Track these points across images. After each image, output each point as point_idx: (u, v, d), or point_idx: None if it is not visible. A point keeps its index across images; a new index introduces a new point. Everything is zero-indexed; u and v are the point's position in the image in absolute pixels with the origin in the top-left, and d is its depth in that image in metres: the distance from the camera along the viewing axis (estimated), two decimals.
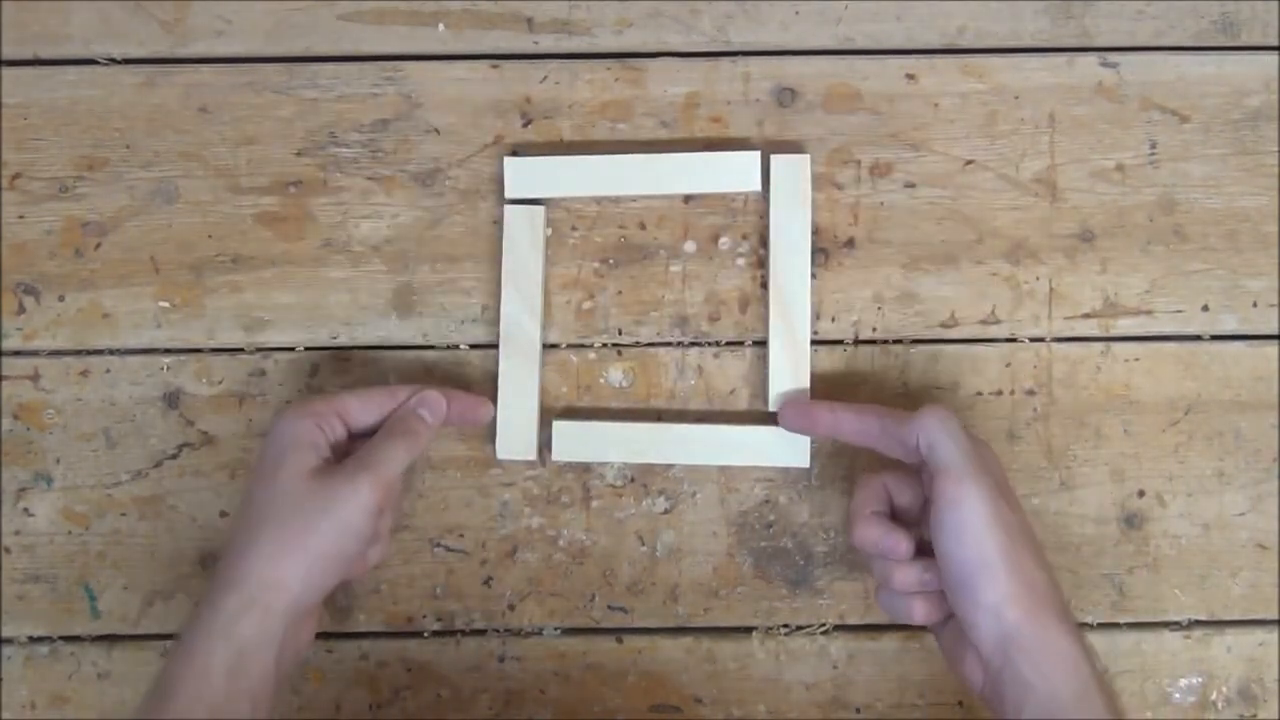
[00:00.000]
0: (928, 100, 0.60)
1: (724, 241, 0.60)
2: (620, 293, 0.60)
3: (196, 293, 0.60)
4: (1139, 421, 0.59)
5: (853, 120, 0.60)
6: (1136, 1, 0.60)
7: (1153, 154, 0.60)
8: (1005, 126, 0.60)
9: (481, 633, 0.59)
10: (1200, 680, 0.59)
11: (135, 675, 0.59)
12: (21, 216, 0.60)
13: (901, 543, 0.51)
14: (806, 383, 0.58)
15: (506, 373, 0.58)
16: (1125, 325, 0.59)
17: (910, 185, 0.60)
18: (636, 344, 0.60)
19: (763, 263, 0.59)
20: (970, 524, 0.47)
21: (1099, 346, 0.59)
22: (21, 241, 0.60)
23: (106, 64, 0.61)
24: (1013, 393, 0.59)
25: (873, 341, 0.59)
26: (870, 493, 0.53)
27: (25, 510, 0.59)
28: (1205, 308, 0.59)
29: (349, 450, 0.53)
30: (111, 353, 0.60)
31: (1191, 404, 0.59)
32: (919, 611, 0.52)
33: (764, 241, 0.59)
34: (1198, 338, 0.59)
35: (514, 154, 0.60)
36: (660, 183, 0.59)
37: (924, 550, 0.51)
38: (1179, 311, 0.59)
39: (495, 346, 0.59)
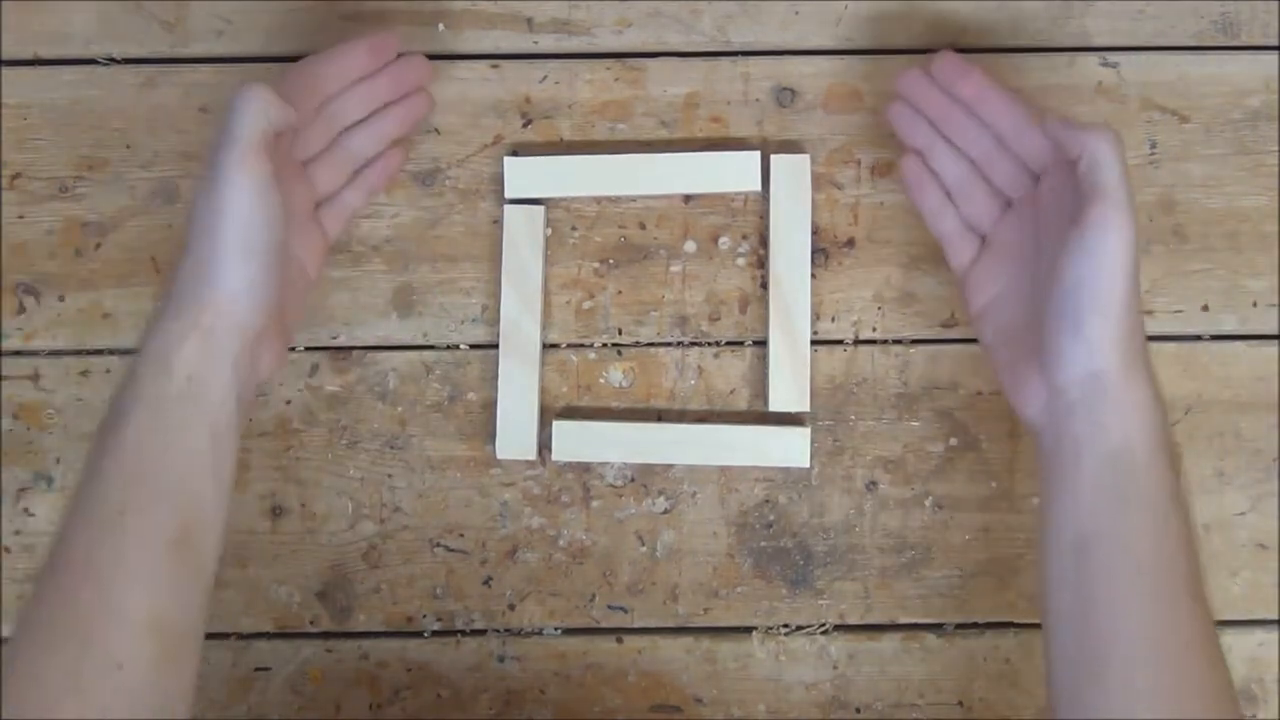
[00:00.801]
0: None
1: (724, 241, 0.60)
2: (620, 293, 0.60)
3: None
4: None
5: (853, 120, 0.60)
6: (1136, 1, 0.60)
7: (1153, 154, 0.60)
8: None
9: (481, 633, 0.59)
10: None
11: None
12: (21, 216, 0.60)
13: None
14: (806, 383, 0.58)
15: (506, 373, 0.58)
16: None
17: None
18: (636, 344, 0.60)
19: (763, 263, 0.59)
20: (1113, 257, 0.45)
21: None
22: (21, 241, 0.60)
23: (106, 64, 0.61)
24: None
25: (873, 341, 0.59)
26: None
27: (25, 510, 0.59)
28: (1205, 308, 0.59)
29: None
30: (111, 353, 0.60)
31: (1191, 404, 0.59)
32: (965, 254, 0.53)
33: (764, 241, 0.59)
34: (1198, 338, 0.59)
35: (514, 154, 0.60)
36: (660, 183, 0.59)
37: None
38: (1179, 311, 0.59)
39: (495, 346, 0.59)
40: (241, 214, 0.47)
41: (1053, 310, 0.47)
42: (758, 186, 0.58)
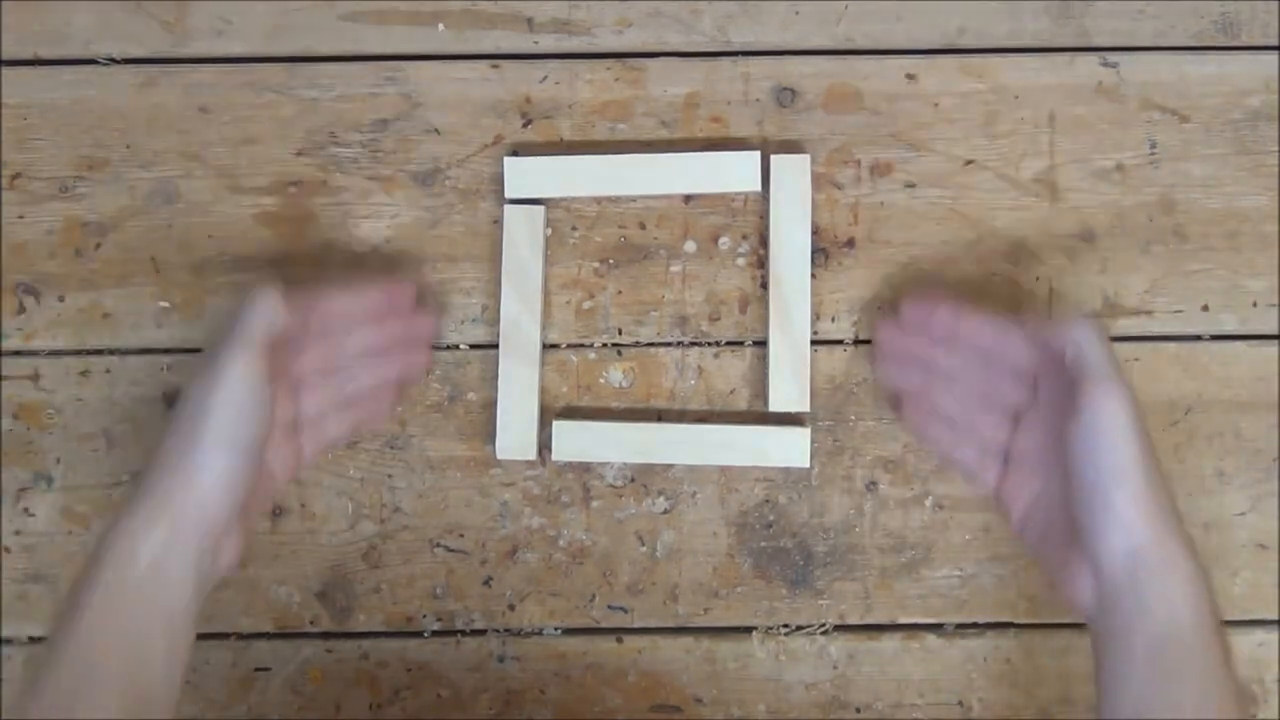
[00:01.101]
0: (928, 100, 0.60)
1: (724, 241, 0.60)
2: (620, 293, 0.60)
3: (196, 293, 0.60)
4: None
5: (853, 120, 0.60)
6: (1136, 1, 0.60)
7: (1153, 154, 0.60)
8: (1005, 126, 0.60)
9: (481, 633, 0.59)
10: None
11: None
12: (21, 216, 0.60)
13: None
14: (806, 383, 0.58)
15: (506, 373, 0.58)
16: (1125, 325, 0.59)
17: (910, 185, 0.60)
18: (636, 344, 0.60)
19: (763, 263, 0.59)
20: (1116, 429, 0.46)
21: None
22: (21, 241, 0.60)
23: (106, 64, 0.61)
24: None
25: (873, 341, 0.59)
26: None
27: (25, 510, 0.59)
28: (1205, 308, 0.59)
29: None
30: (111, 353, 0.60)
31: (1191, 404, 0.59)
32: (990, 477, 0.53)
33: (764, 241, 0.59)
34: (1198, 338, 0.59)
35: (514, 154, 0.60)
36: (660, 183, 0.59)
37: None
38: (1179, 311, 0.59)
39: (495, 346, 0.59)
40: (231, 406, 0.47)
41: (1078, 497, 0.47)
42: (758, 186, 0.58)
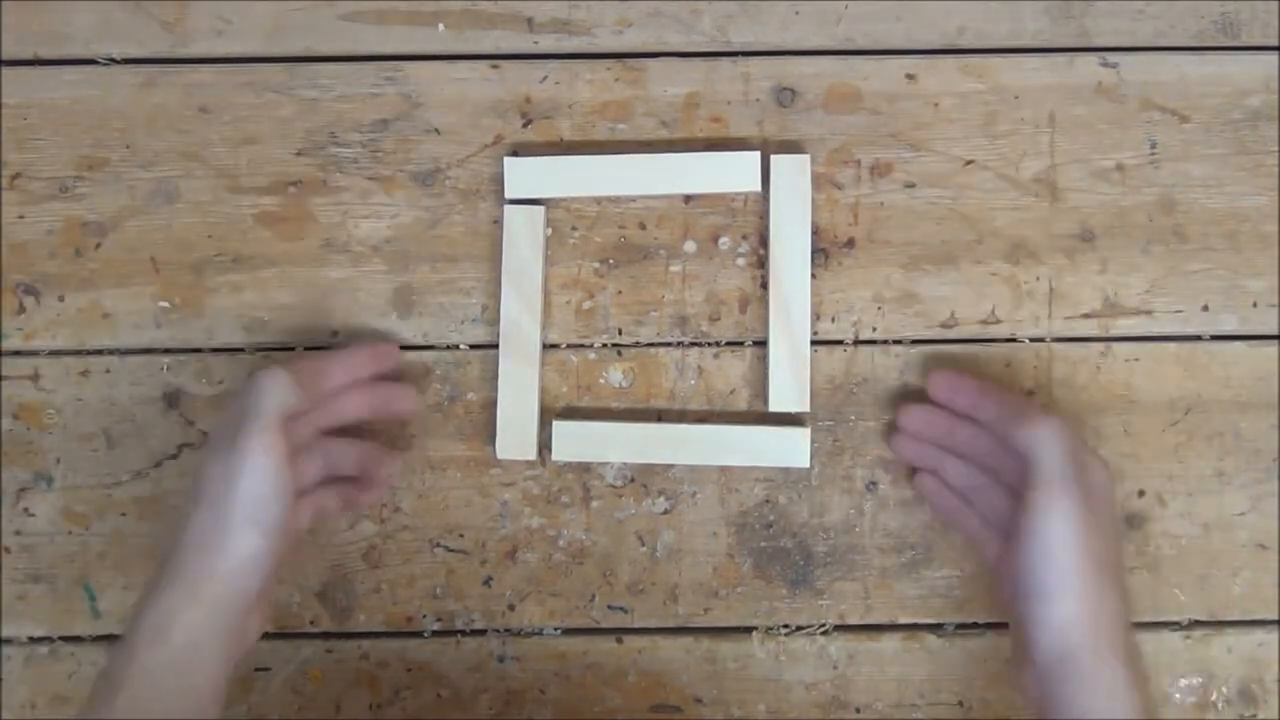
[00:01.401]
0: (928, 100, 0.60)
1: (724, 241, 0.60)
2: (620, 293, 0.60)
3: (196, 293, 0.60)
4: (1139, 421, 0.59)
5: (853, 120, 0.60)
6: (1136, 1, 0.60)
7: (1153, 154, 0.60)
8: (1005, 126, 0.60)
9: (481, 633, 0.59)
10: (1200, 680, 0.59)
11: None
12: (21, 216, 0.60)
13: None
14: (806, 383, 0.58)
15: (506, 373, 0.58)
16: (1125, 325, 0.59)
17: (910, 185, 0.60)
18: (636, 344, 0.60)
19: (763, 263, 0.59)
20: (1051, 539, 0.47)
21: (1099, 347, 0.59)
22: (21, 241, 0.60)
23: (106, 64, 0.61)
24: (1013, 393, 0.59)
25: (873, 341, 0.59)
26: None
27: (25, 510, 0.59)
28: (1205, 308, 0.59)
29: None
30: (111, 353, 0.60)
31: (1191, 404, 0.59)
32: (991, 549, 0.54)
33: (764, 241, 0.59)
34: (1198, 338, 0.59)
35: (514, 154, 0.60)
36: (660, 183, 0.59)
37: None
38: (1179, 311, 0.59)
39: (495, 346, 0.59)
40: (255, 487, 0.48)
41: (1019, 596, 0.48)
42: (758, 186, 0.58)
